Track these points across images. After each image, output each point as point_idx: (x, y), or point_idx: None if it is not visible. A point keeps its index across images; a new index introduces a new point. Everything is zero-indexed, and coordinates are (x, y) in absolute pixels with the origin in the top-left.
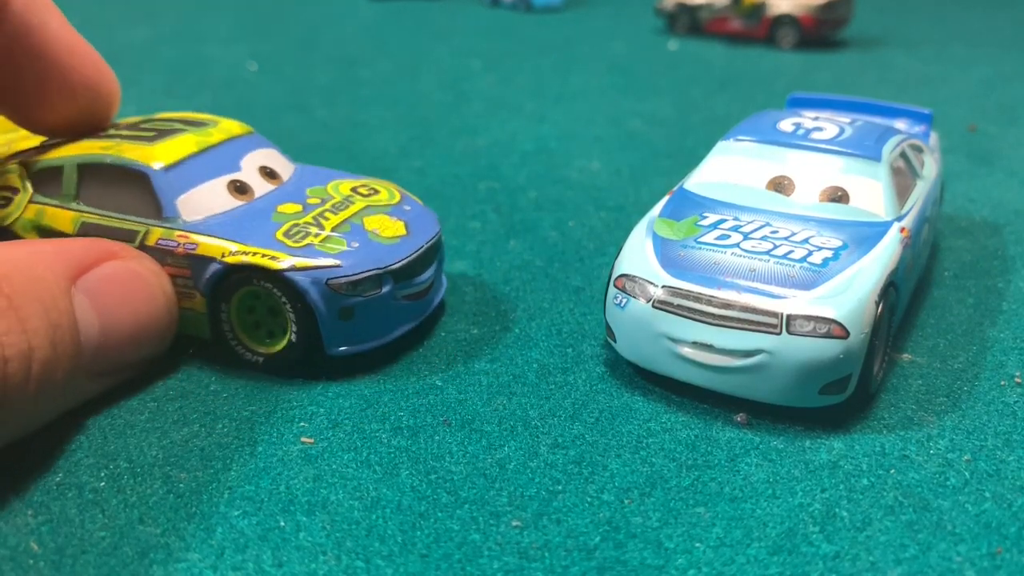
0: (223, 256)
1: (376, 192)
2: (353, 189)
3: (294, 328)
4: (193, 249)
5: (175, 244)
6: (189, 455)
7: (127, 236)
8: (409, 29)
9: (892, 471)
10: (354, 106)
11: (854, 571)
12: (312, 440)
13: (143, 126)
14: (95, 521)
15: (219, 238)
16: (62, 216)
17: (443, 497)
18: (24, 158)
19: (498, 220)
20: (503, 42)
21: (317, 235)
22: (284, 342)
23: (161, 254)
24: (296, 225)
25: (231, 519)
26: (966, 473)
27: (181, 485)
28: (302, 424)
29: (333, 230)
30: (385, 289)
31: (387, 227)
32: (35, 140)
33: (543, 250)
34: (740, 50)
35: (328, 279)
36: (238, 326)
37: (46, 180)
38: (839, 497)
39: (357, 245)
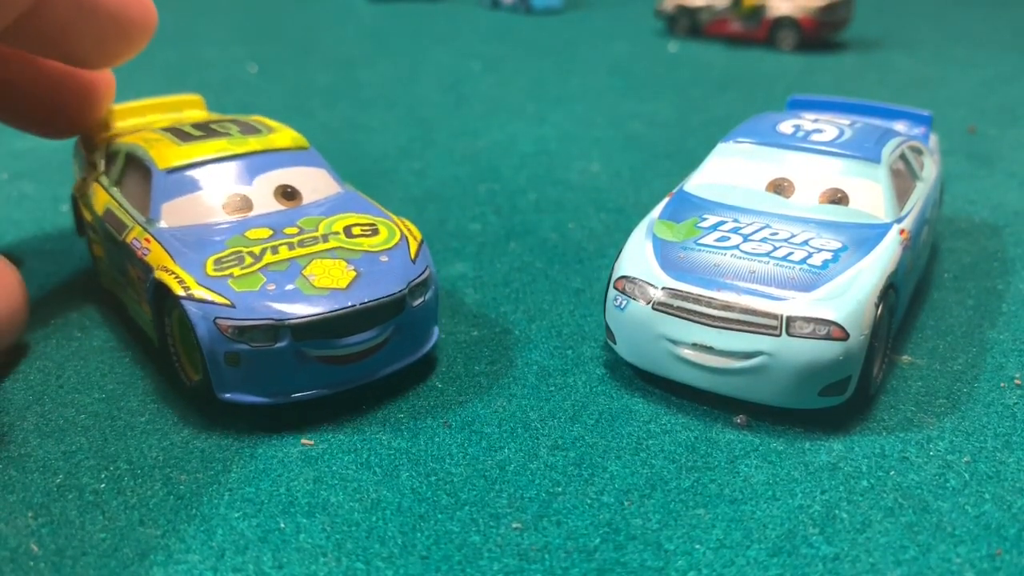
0: (156, 268)
1: (374, 234)
2: (347, 227)
3: (200, 361)
4: (146, 255)
5: (139, 246)
6: (189, 457)
7: (121, 228)
8: (409, 31)
9: (892, 473)
10: (354, 108)
11: (854, 573)
12: (312, 442)
13: (210, 125)
14: (95, 523)
15: (166, 250)
16: (101, 197)
17: (443, 499)
18: (117, 139)
19: (498, 222)
20: (503, 44)
21: (246, 268)
22: (196, 373)
23: (128, 252)
24: (237, 253)
25: (231, 521)
26: (966, 475)
27: (181, 487)
28: (302, 426)
29: (266, 267)
30: (281, 344)
31: (329, 276)
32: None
33: (543, 252)
34: (740, 52)
35: (216, 317)
36: (180, 344)
37: (111, 161)
38: (839, 499)
39: (272, 288)
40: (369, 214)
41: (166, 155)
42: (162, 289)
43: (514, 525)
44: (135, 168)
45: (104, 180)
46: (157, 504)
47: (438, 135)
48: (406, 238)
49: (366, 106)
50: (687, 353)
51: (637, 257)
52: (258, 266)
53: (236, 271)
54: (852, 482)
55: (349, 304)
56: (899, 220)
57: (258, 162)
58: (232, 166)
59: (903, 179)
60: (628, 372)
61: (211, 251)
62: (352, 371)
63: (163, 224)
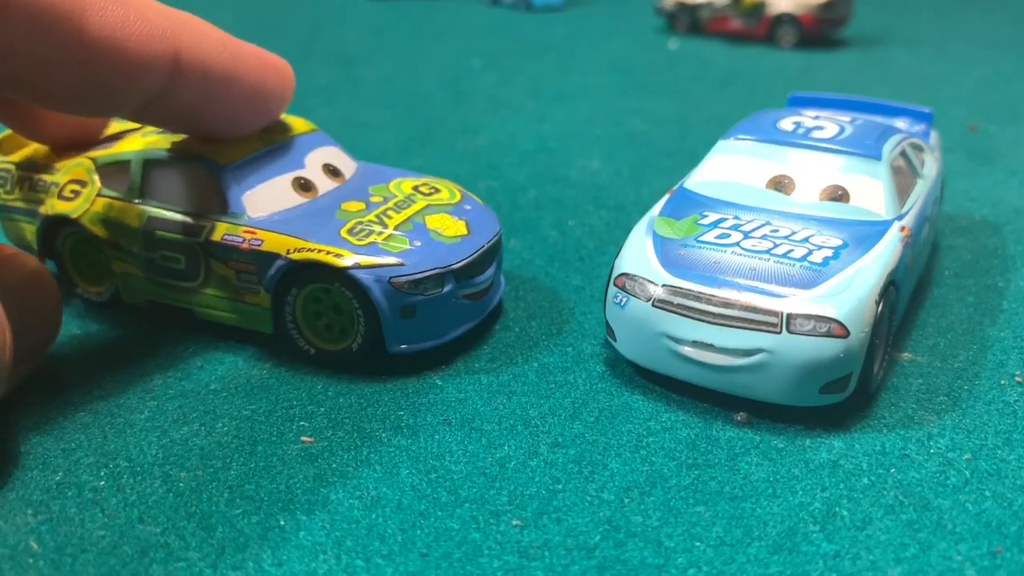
0: (288, 252)
1: (437, 191)
2: (415, 188)
3: (361, 325)
4: (259, 245)
5: (240, 240)
6: (189, 454)
7: (193, 231)
8: (409, 28)
9: (892, 470)
10: (354, 105)
11: (854, 570)
12: (312, 439)
13: None
14: (95, 520)
15: (284, 235)
16: (129, 210)
17: (443, 496)
18: (93, 152)
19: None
20: (503, 41)
21: (380, 233)
22: (349, 339)
23: (226, 250)
24: (360, 223)
25: (231, 518)
26: (966, 472)
27: (181, 484)
28: (302, 423)
29: (396, 228)
30: (447, 288)
31: (449, 226)
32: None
33: (543, 249)
34: (740, 49)
35: (391, 277)
36: (302, 322)
37: (113, 174)
38: (839, 496)
39: (420, 244)
40: (413, 177)
41: (216, 152)
42: (300, 270)
43: (514, 522)
44: (170, 171)
45: (116, 193)
46: (156, 501)
47: (438, 133)
48: (463, 191)
49: (366, 103)
50: (687, 350)
51: (637, 254)
52: (390, 229)
53: (376, 237)
54: (853, 479)
55: (482, 244)
56: (900, 217)
57: (297, 146)
58: (283, 152)
59: (904, 176)
60: (628, 369)
61: (334, 226)
62: (481, 306)
63: (251, 214)
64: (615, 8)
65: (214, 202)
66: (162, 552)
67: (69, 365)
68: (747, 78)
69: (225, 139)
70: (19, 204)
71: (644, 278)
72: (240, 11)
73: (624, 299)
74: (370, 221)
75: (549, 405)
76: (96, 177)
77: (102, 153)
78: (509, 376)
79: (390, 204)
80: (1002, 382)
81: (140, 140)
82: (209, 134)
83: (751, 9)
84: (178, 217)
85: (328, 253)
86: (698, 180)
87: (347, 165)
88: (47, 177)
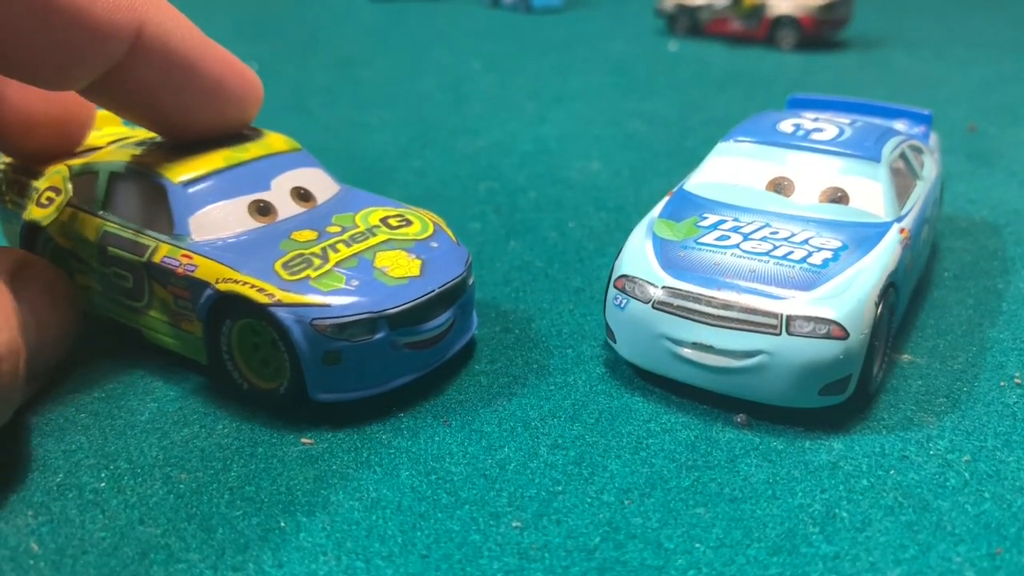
0: (216, 282)
1: (408, 224)
2: (383, 219)
3: (287, 368)
4: (192, 271)
5: (177, 264)
6: (190, 456)
7: (139, 250)
8: (409, 30)
9: (892, 472)
10: (354, 107)
11: (854, 572)
12: (312, 441)
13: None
14: (95, 521)
15: (218, 262)
16: (89, 223)
17: (443, 498)
18: (73, 159)
19: (498, 221)
20: (503, 43)
21: (319, 268)
22: (279, 380)
23: (164, 273)
24: (301, 255)
25: (231, 519)
26: (966, 474)
27: (181, 486)
28: (302, 425)
29: (337, 264)
30: (379, 335)
31: (399, 265)
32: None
33: (543, 251)
34: (740, 51)
35: (313, 319)
36: (238, 354)
37: (84, 184)
38: (839, 498)
39: (356, 284)
40: (390, 206)
41: (173, 168)
42: (226, 302)
43: (514, 524)
44: (131, 185)
45: (82, 203)
46: (157, 503)
47: (438, 134)
48: (438, 225)
49: (366, 105)
50: (687, 352)
51: (637, 256)
52: (329, 265)
53: (311, 272)
54: (852, 481)
55: (430, 289)
56: (899, 219)
57: (266, 166)
58: (246, 172)
59: (903, 178)
60: (628, 371)
61: (272, 257)
62: (431, 354)
63: (195, 237)
64: (615, 10)
65: (163, 221)
66: (163, 553)
67: (69, 366)
68: (747, 80)
69: (178, 137)
70: (11, 208)
71: (644, 280)
72: (240, 12)
73: (624, 301)
74: (312, 254)
75: (549, 407)
76: (69, 186)
77: (78, 161)
78: (509, 378)
79: (345, 236)
80: (1001, 384)
81: (113, 152)
82: (161, 125)
83: (751, 11)
84: (128, 234)
85: (252, 287)
86: (698, 182)
87: (324, 189)
88: (34, 181)
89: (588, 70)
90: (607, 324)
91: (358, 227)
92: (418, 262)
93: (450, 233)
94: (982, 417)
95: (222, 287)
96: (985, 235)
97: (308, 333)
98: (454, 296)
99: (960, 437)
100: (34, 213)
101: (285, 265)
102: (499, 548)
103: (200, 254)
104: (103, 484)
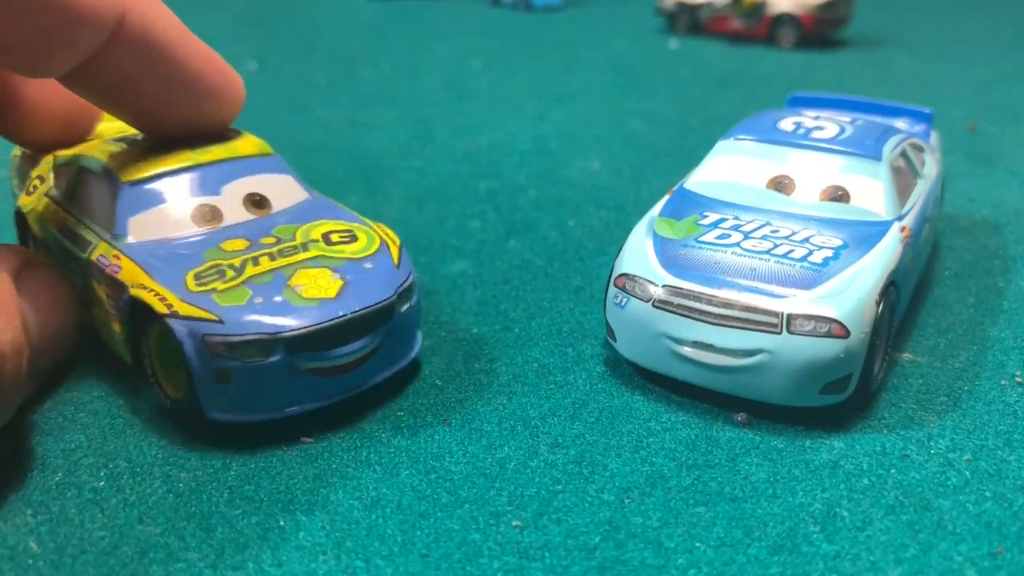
0: (131, 286)
1: (352, 240)
2: (325, 233)
3: (184, 380)
4: (117, 272)
5: (107, 263)
6: (189, 455)
7: (84, 245)
8: (409, 28)
9: (893, 471)
10: (354, 105)
11: (855, 571)
12: (312, 440)
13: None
14: (94, 521)
15: (139, 266)
16: (56, 214)
17: (443, 496)
18: (62, 151)
19: (498, 219)
20: (503, 41)
21: (229, 281)
22: (181, 392)
23: (97, 271)
24: (217, 266)
25: (231, 518)
26: (967, 473)
27: (181, 484)
28: (302, 424)
29: (250, 279)
30: (274, 358)
31: (316, 286)
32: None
33: (543, 249)
34: (740, 49)
35: (205, 334)
36: (158, 362)
37: (61, 176)
38: (840, 497)
39: (260, 301)
40: (344, 220)
41: (128, 167)
42: (139, 307)
43: (514, 523)
44: (92, 181)
45: (55, 195)
46: (156, 502)
47: (438, 133)
48: (386, 243)
49: (366, 104)
50: (687, 351)
51: (637, 255)
52: (241, 279)
53: (219, 285)
54: (853, 480)
55: (341, 314)
56: (900, 218)
57: (224, 170)
58: (198, 176)
59: (904, 176)
60: (628, 370)
61: (189, 265)
62: (343, 382)
63: (131, 239)
64: (615, 8)
65: (108, 219)
66: (162, 553)
67: (68, 365)
68: (747, 78)
69: (155, 132)
70: (19, 193)
71: (644, 278)
72: (240, 11)
73: (624, 299)
74: (230, 265)
75: (549, 406)
76: (51, 176)
77: (66, 153)
78: (509, 376)
79: (274, 249)
80: (1002, 382)
81: (93, 146)
82: (139, 118)
83: (751, 9)
84: (80, 229)
85: (156, 295)
86: (698, 180)
87: (285, 197)
88: (31, 170)
89: (588, 69)
90: (607, 323)
91: (294, 240)
92: (339, 283)
93: (395, 255)
94: (983, 416)
95: (133, 292)
96: (986, 234)
97: (199, 348)
98: (374, 322)
99: (961, 436)
100: (21, 200)
101: (197, 276)
102: (499, 547)
103: (127, 256)
104: (102, 483)
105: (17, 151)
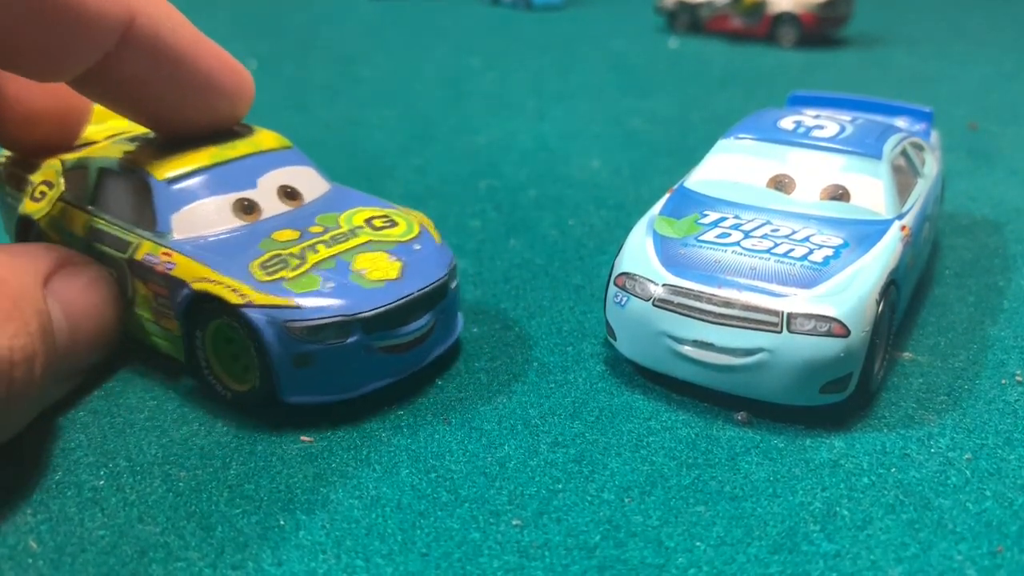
0: (192, 281)
1: (393, 225)
2: (368, 219)
3: (257, 368)
4: (171, 269)
5: (157, 261)
6: (189, 453)
7: (122, 246)
8: (409, 27)
9: (893, 470)
10: (354, 104)
11: (855, 570)
12: (312, 439)
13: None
14: (94, 519)
15: (197, 261)
16: (78, 218)
17: (443, 496)
18: (67, 154)
19: (498, 218)
20: (503, 40)
21: (296, 268)
22: (250, 382)
23: (144, 270)
24: (278, 256)
25: (231, 518)
26: (967, 472)
27: (180, 484)
28: (301, 422)
29: (315, 265)
30: (352, 339)
31: (378, 268)
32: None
33: (543, 248)
34: (741, 48)
35: (285, 320)
36: (212, 356)
37: (75, 179)
38: (840, 496)
39: (332, 286)
40: (378, 206)
41: (160, 165)
42: (201, 301)
43: (514, 522)
44: (119, 181)
45: (72, 198)
46: (156, 501)
47: (438, 132)
48: (424, 227)
49: (366, 103)
50: (687, 350)
51: (638, 253)
52: (307, 266)
53: (287, 273)
54: (853, 479)
55: (408, 292)
56: (900, 216)
57: (254, 164)
58: (232, 170)
59: (904, 175)
60: (628, 369)
61: (248, 257)
62: (409, 359)
63: (177, 235)
64: (615, 7)
65: (147, 218)
66: (162, 552)
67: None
68: (747, 77)
69: (168, 131)
70: (11, 201)
71: (644, 277)
72: (240, 10)
73: (624, 298)
74: (291, 254)
75: (549, 404)
76: (62, 180)
77: (72, 156)
78: (509, 375)
79: (326, 236)
80: (1003, 381)
81: (106, 147)
82: (151, 119)
83: (751, 8)
84: (114, 230)
85: (226, 287)
86: (698, 179)
87: (313, 188)
88: (30, 175)
89: (588, 68)
90: (607, 322)
91: (341, 228)
92: (398, 264)
93: (435, 235)
94: (983, 415)
95: (197, 286)
96: (986, 233)
97: (280, 334)
98: (434, 299)
99: (961, 435)
100: (27, 207)
101: (262, 265)
102: (499, 546)
103: (179, 252)
104: (102, 482)
105: (1, 158)
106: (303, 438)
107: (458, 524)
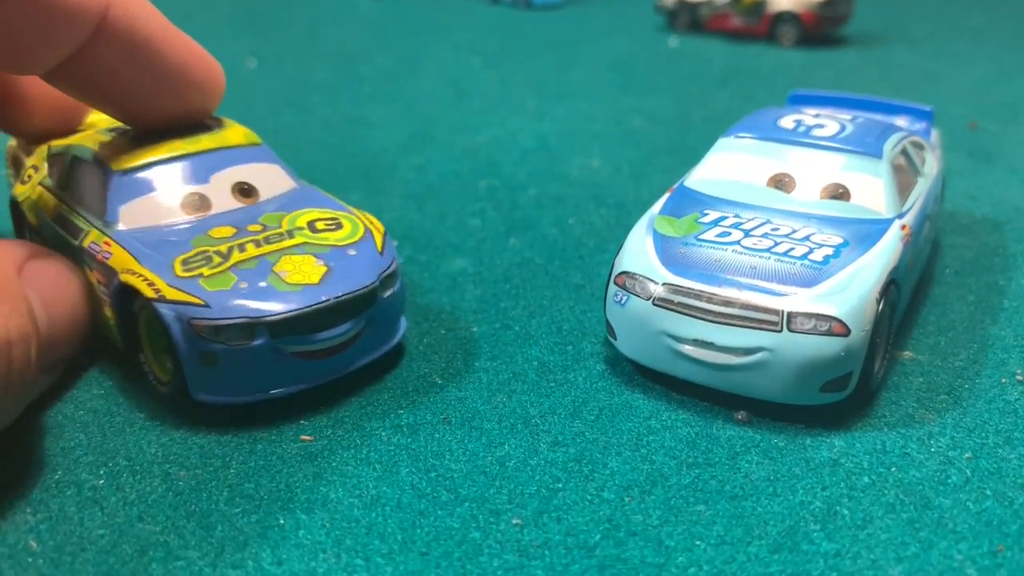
0: (121, 272)
1: (337, 228)
2: (311, 221)
3: (171, 364)
4: (108, 258)
5: (99, 249)
6: (188, 453)
7: (76, 232)
8: (409, 26)
9: (893, 469)
10: (354, 103)
11: (855, 569)
12: (312, 438)
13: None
14: (94, 519)
15: (128, 252)
16: (49, 201)
17: (443, 495)
18: (56, 140)
19: (498, 217)
20: (503, 39)
21: (216, 267)
22: (169, 375)
23: (89, 257)
24: (204, 252)
25: (230, 517)
26: (967, 471)
27: (180, 483)
28: (301, 422)
29: (235, 265)
30: (258, 342)
31: (300, 271)
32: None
33: (543, 247)
34: (741, 47)
35: (191, 318)
36: (147, 347)
37: (55, 165)
38: (840, 495)
39: (245, 286)
40: (330, 208)
41: (119, 156)
42: (128, 292)
43: (514, 521)
44: (84, 170)
45: (50, 183)
46: (156, 500)
47: (438, 131)
48: (370, 231)
49: (366, 101)
50: (688, 349)
51: (638, 253)
52: (227, 265)
53: (205, 271)
54: (853, 478)
55: (323, 299)
56: (900, 215)
57: (213, 160)
58: (188, 165)
59: (904, 174)
60: (628, 368)
61: (177, 252)
62: (327, 365)
63: (122, 226)
64: (615, 6)
65: (100, 207)
66: (161, 551)
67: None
68: (747, 76)
69: (140, 124)
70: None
71: (645, 276)
72: (239, 8)
73: (624, 297)
74: (216, 252)
75: (549, 404)
76: (45, 165)
77: (57, 143)
78: (509, 375)
79: (260, 236)
80: (1003, 381)
81: (86, 135)
82: (124, 112)
83: (751, 7)
84: (73, 217)
85: (144, 280)
86: (698, 178)
87: (274, 186)
88: (26, 159)
89: (588, 67)
90: (607, 321)
91: (280, 228)
92: (322, 269)
93: (379, 242)
94: (983, 414)
95: (122, 277)
96: (986, 232)
97: (186, 332)
98: (358, 307)
99: (961, 434)
100: (16, 190)
101: (185, 261)
102: (499, 546)
103: (117, 242)
104: (102, 481)
105: (13, 142)
106: (303, 437)
107: (458, 523)
